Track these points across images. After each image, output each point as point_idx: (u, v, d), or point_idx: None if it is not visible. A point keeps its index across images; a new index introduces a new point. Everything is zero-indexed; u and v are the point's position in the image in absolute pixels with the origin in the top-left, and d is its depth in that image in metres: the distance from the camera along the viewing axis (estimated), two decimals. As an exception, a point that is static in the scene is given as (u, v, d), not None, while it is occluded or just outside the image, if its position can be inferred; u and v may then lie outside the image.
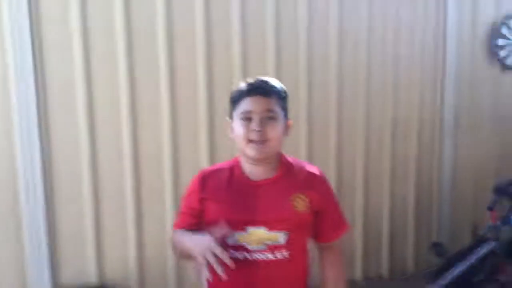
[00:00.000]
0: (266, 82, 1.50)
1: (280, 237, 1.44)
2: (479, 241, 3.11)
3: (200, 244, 1.34)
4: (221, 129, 2.93)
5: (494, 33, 3.84)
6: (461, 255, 3.06)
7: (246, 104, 1.46)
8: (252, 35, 3.02)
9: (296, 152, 3.20)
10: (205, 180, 1.53)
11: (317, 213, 1.52)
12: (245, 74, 2.96)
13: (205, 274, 1.35)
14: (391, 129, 3.56)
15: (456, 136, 3.84)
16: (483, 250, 2.98)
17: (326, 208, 1.54)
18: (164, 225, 2.88)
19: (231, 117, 1.52)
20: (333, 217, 1.58)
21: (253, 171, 1.50)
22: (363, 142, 3.48)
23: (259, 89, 1.47)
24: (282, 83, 1.56)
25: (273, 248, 1.44)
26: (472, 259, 2.96)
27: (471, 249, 3.07)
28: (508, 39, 3.87)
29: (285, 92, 1.54)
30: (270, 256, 1.44)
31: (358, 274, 3.58)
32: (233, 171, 1.53)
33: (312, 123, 3.29)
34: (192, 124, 2.94)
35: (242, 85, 1.51)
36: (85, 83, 2.68)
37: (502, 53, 3.88)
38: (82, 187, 2.74)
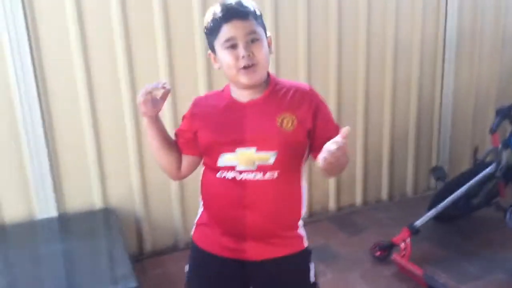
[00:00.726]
0: (239, 4, 1.42)
1: (270, 157, 1.42)
2: (479, 165, 3.13)
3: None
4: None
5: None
6: (461, 179, 3.09)
7: (226, 32, 1.39)
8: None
9: (295, 74, 3.15)
10: (196, 106, 1.55)
11: (311, 130, 1.47)
12: None
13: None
14: (393, 52, 3.48)
15: (458, 56, 3.76)
16: (483, 174, 3.00)
17: (316, 126, 1.48)
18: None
19: (212, 49, 1.47)
20: (324, 134, 1.46)
21: (241, 93, 1.48)
22: (364, 65, 3.40)
23: (235, 13, 1.39)
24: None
25: (263, 168, 1.42)
26: (472, 182, 2.99)
27: (471, 172, 3.10)
28: (518, -44, 3.69)
29: (258, 8, 1.47)
30: (259, 176, 1.42)
31: (358, 198, 3.64)
32: (222, 95, 1.52)
33: (312, 45, 3.20)
34: (189, 47, 2.85)
35: (214, 12, 1.42)
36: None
37: (510, -28, 3.71)
38: (81, 114, 2.70)
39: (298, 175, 1.52)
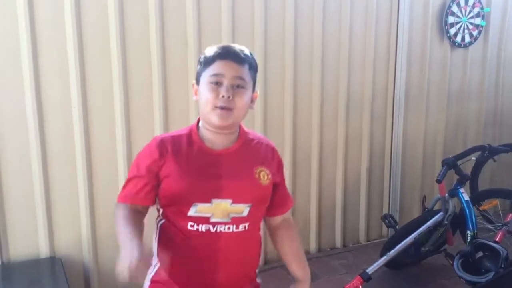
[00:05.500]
0: (240, 49, 1.44)
1: (244, 209, 1.41)
2: (427, 213, 3.23)
3: (124, 258, 1.32)
4: (175, 94, 2.92)
5: (445, 10, 3.92)
6: (411, 227, 3.17)
7: (217, 67, 1.38)
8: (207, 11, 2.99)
9: (252, 125, 3.19)
10: (164, 145, 1.43)
11: (275, 187, 1.51)
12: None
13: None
14: (345, 104, 3.61)
15: (407, 111, 3.93)
16: (431, 221, 3.10)
17: (279, 182, 1.54)
18: (117, 195, 2.79)
19: (198, 80, 1.45)
20: (283, 191, 1.58)
21: (212, 139, 1.44)
22: (318, 117, 3.50)
23: (233, 54, 1.40)
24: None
25: (236, 221, 1.40)
26: (421, 230, 3.07)
27: (420, 220, 3.19)
28: (458, 17, 3.97)
29: (256, 63, 1.48)
30: (233, 228, 1.40)
31: (313, 245, 3.66)
32: (191, 139, 1.45)
33: (268, 96, 3.29)
34: (145, 86, 2.86)
35: (215, 48, 1.43)
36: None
37: (452, 31, 3.98)
38: (31, 158, 2.62)
39: (260, 225, 1.54)
